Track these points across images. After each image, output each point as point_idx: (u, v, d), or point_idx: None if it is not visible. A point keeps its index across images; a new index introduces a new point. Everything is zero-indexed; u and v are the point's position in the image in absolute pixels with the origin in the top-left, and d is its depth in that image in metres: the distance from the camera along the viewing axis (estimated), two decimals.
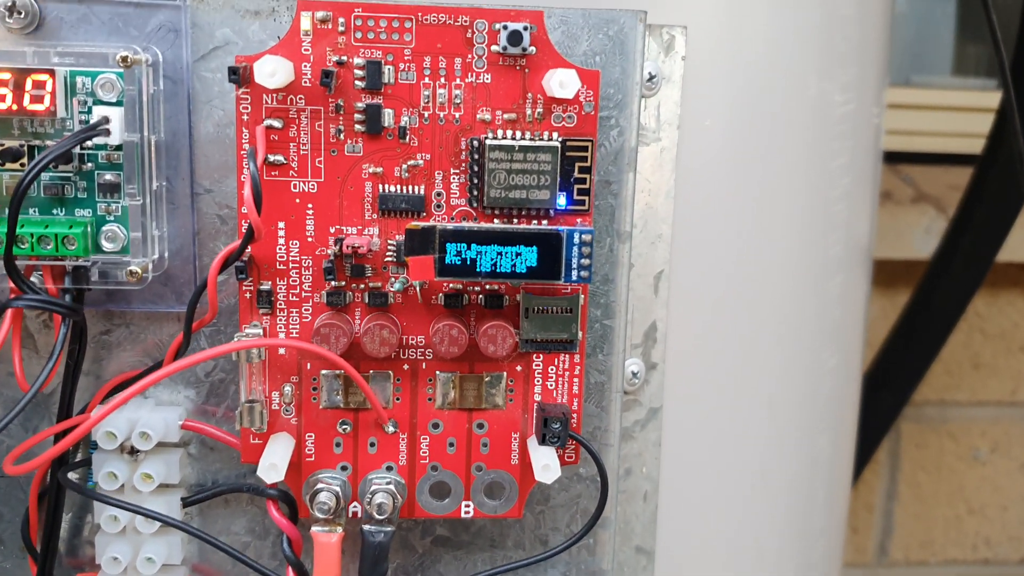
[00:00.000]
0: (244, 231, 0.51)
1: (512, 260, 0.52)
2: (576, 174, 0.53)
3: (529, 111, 0.49)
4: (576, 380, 0.55)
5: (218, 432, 0.54)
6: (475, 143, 0.48)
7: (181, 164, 0.52)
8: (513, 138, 0.48)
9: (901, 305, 1.17)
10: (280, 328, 0.51)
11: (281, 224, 0.50)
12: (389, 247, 0.50)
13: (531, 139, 0.49)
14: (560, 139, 0.49)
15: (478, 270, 0.52)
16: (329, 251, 0.54)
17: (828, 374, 0.78)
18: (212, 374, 0.56)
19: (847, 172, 0.76)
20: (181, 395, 0.56)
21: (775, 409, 0.71)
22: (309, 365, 0.52)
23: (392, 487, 0.51)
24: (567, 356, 0.52)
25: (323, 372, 0.51)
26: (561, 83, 0.51)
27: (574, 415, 0.53)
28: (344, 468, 0.52)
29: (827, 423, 0.80)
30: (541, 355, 0.52)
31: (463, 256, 0.52)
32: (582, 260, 0.52)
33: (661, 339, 0.62)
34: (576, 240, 0.52)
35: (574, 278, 0.52)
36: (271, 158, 0.49)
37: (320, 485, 0.50)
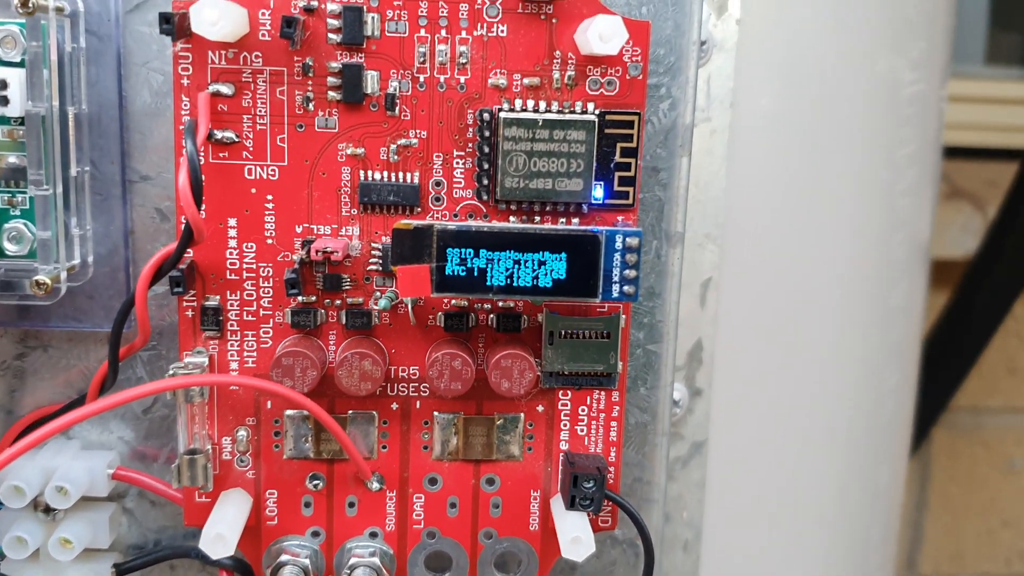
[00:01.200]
0: (182, 231, 0.38)
1: (534, 271, 0.39)
2: (618, 158, 0.40)
3: (557, 74, 0.37)
4: (614, 424, 0.42)
5: (157, 484, 0.44)
6: (486, 117, 0.37)
7: (110, 144, 0.44)
8: (536, 110, 0.37)
9: (936, 306, 1.12)
10: (232, 357, 0.39)
11: (232, 222, 0.37)
12: (373, 253, 0.38)
13: (559, 111, 0.37)
14: (598, 111, 0.36)
15: (489, 283, 0.39)
16: (294, 257, 0.41)
17: (889, 395, 0.70)
18: (152, 410, 0.44)
19: (913, 163, 0.68)
20: (114, 436, 0.44)
21: (835, 439, 0.64)
22: (269, 404, 0.39)
23: (377, 559, 0.42)
24: (603, 393, 0.40)
25: (287, 413, 0.39)
26: (601, 35, 0.38)
27: (611, 469, 0.40)
28: (315, 535, 0.43)
29: (887, 451, 0.72)
30: (569, 392, 0.39)
31: (469, 265, 0.39)
32: (626, 271, 0.39)
33: (708, 360, 0.56)
34: (619, 245, 0.39)
35: (615, 295, 0.40)
36: (218, 135, 0.37)
37: (285, 556, 0.41)
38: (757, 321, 0.59)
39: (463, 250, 0.39)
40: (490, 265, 0.40)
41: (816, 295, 0.59)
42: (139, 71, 0.44)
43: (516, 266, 0.40)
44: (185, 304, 0.42)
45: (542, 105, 0.40)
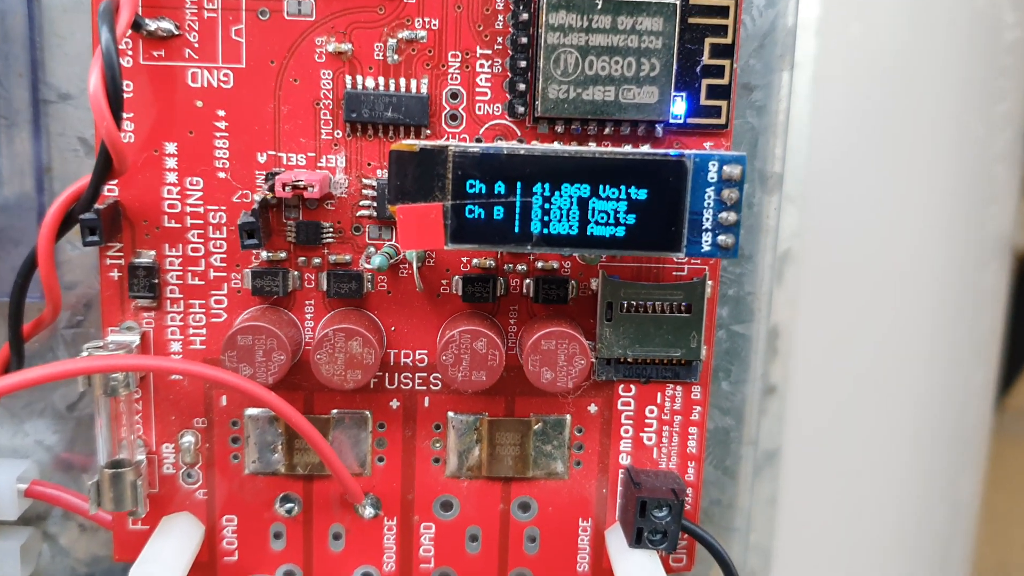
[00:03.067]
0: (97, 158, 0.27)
1: (596, 214, 0.27)
2: (706, 59, 0.28)
3: None
4: (694, 430, 0.31)
5: (84, 504, 0.34)
6: None
7: (14, 50, 0.34)
8: None
9: None
10: (173, 335, 0.28)
11: (170, 147, 0.26)
12: (364, 192, 0.26)
13: None
14: None
15: (526, 231, 0.27)
16: (255, 197, 0.29)
17: (974, 396, 0.62)
18: (79, 406, 0.35)
19: (1010, 123, 0.59)
20: (30, 440, 0.33)
21: (919, 444, 0.55)
22: (224, 400, 0.28)
23: None
24: (680, 388, 0.28)
25: (248, 412, 0.27)
26: None
27: (689, 492, 0.28)
28: (289, 575, 0.27)
29: (970, 457, 0.64)
30: (634, 386, 0.27)
31: (497, 203, 0.27)
32: (722, 214, 0.28)
33: (784, 351, 0.46)
34: (712, 176, 0.27)
35: (705, 248, 0.28)
36: (151, 25, 0.26)
37: None
38: (839, 305, 0.49)
39: (489, 182, 0.27)
40: (528, 205, 0.28)
41: (902, 275, 0.51)
42: None
43: (567, 206, 0.28)
44: (109, 261, 0.31)
45: None
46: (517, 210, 0.28)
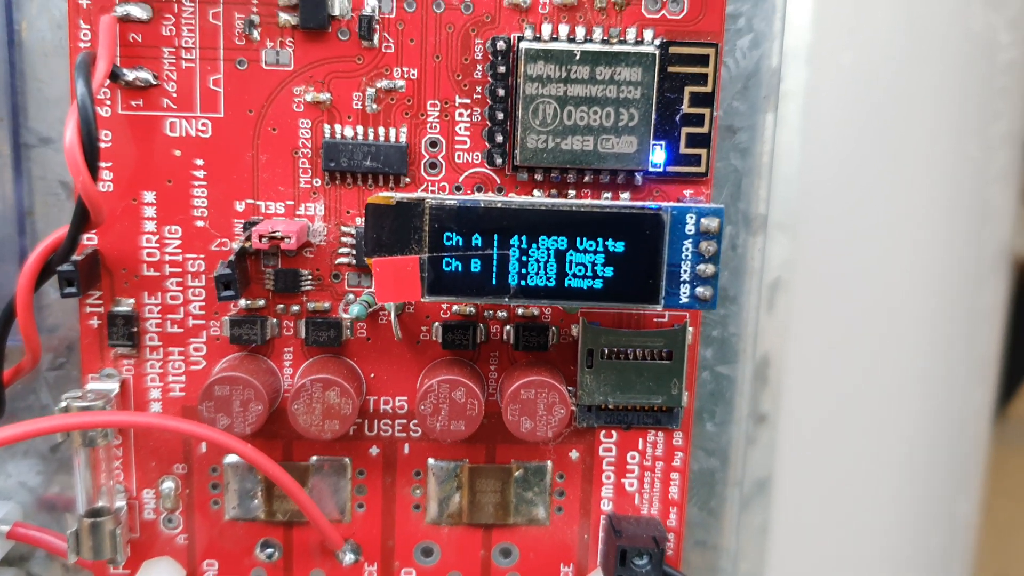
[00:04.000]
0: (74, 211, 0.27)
1: (573, 267, 0.27)
2: (686, 107, 0.28)
3: None
4: (676, 476, 0.30)
5: (63, 545, 0.34)
6: (501, 48, 0.26)
7: None
8: (571, 39, 0.24)
9: None
10: (152, 382, 0.28)
11: (149, 196, 0.26)
12: (343, 240, 0.26)
13: (604, 41, 0.26)
14: (658, 41, 0.24)
15: (503, 283, 0.27)
16: (233, 246, 0.29)
17: (972, 417, 0.61)
18: (63, 447, 0.33)
19: (1006, 143, 0.59)
20: (12, 481, 0.33)
21: (912, 471, 0.55)
22: (204, 446, 0.27)
23: None
24: (661, 434, 0.28)
25: (227, 460, 0.27)
26: None
27: (671, 538, 0.28)
28: None
29: (967, 480, 0.64)
30: (615, 433, 0.27)
31: (475, 256, 0.27)
32: (700, 266, 0.27)
33: (775, 379, 0.46)
34: (690, 228, 0.27)
35: (683, 300, 0.27)
36: (129, 75, 0.26)
37: None
38: (830, 332, 0.49)
39: (468, 235, 0.27)
40: (507, 257, 0.28)
41: (896, 299, 0.51)
42: None
43: (545, 258, 0.28)
44: (88, 309, 0.31)
45: (580, 32, 0.28)
46: (494, 263, 0.28)
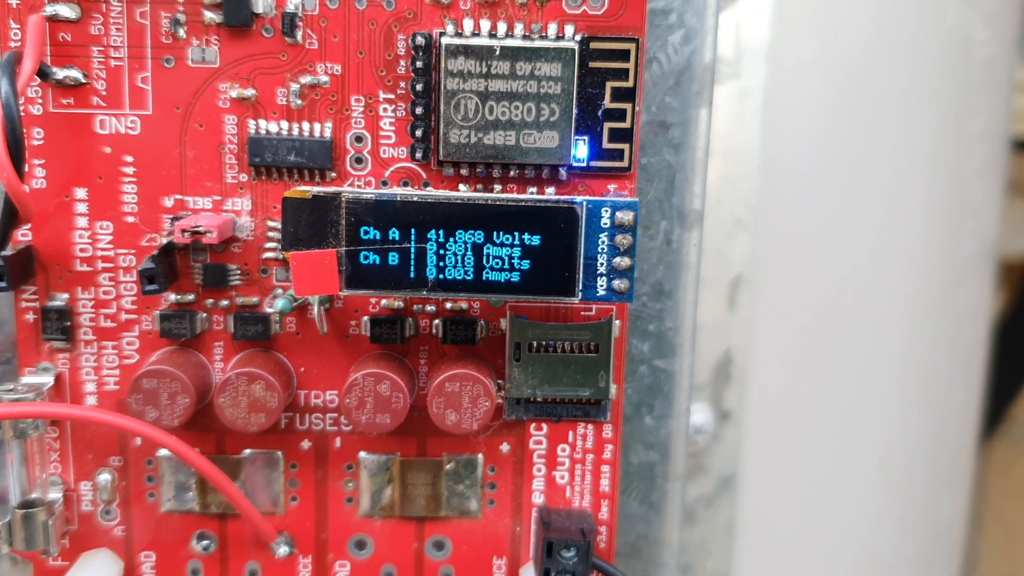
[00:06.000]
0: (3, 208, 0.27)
1: (490, 260, 0.28)
2: (608, 103, 0.29)
3: None
4: (607, 468, 0.31)
5: None
6: (421, 43, 0.27)
7: None
8: (492, 34, 0.25)
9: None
10: (87, 375, 0.29)
11: (80, 193, 0.27)
12: (270, 235, 0.26)
13: (525, 36, 0.27)
14: (579, 37, 0.24)
15: (421, 277, 0.27)
16: (163, 239, 0.30)
17: (954, 413, 0.61)
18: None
19: (984, 139, 0.59)
20: None
21: (890, 469, 0.54)
22: (139, 440, 0.28)
23: None
24: (590, 426, 0.28)
25: (161, 452, 0.28)
26: None
27: (602, 530, 0.28)
28: None
29: (949, 479, 0.63)
30: (545, 425, 0.27)
31: (392, 250, 0.27)
32: (616, 259, 0.28)
33: (738, 376, 0.46)
34: (605, 221, 0.28)
35: (600, 293, 0.28)
36: (59, 74, 0.27)
37: None
38: (798, 328, 0.49)
39: (384, 228, 0.28)
40: (425, 251, 0.28)
41: (870, 296, 0.51)
42: None
43: (464, 252, 0.28)
44: (24, 304, 0.31)
45: (501, 28, 0.28)
46: (412, 256, 0.28)
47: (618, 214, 0.28)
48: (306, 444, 0.32)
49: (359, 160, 0.31)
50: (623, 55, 0.30)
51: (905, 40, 0.49)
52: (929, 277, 0.55)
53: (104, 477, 0.33)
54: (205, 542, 0.33)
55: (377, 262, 0.28)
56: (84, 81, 0.30)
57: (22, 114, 0.29)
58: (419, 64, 0.29)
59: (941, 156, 0.53)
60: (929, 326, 0.55)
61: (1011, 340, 1.07)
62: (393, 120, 0.30)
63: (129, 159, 0.31)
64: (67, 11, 0.30)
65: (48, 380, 0.32)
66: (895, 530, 0.56)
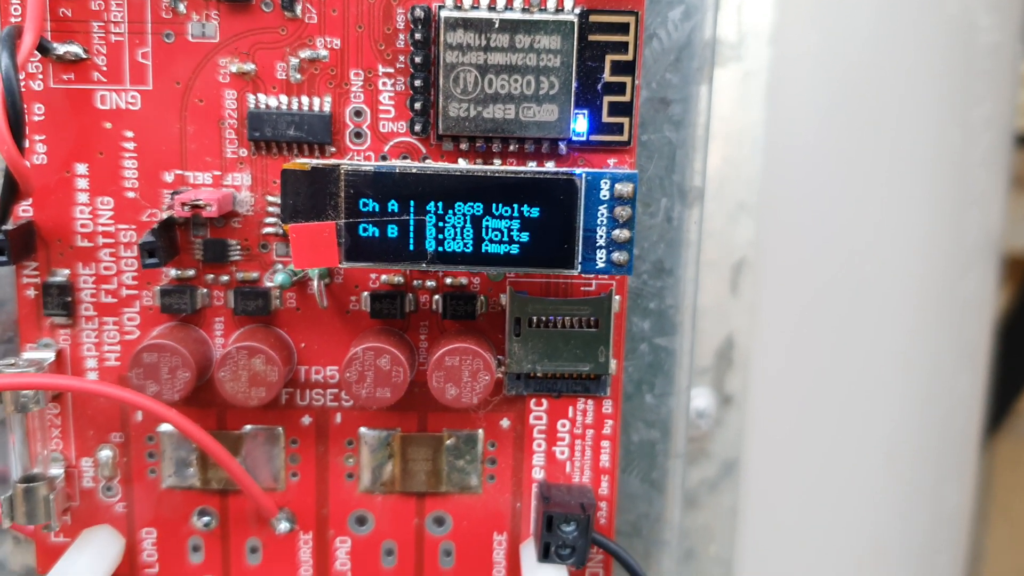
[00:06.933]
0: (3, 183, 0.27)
1: (489, 232, 0.28)
2: (607, 76, 0.29)
3: None
4: (606, 444, 0.31)
5: None
6: (419, 15, 0.27)
7: None
8: (492, 7, 0.26)
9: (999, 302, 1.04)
10: (88, 351, 0.29)
11: (81, 168, 0.27)
12: (270, 210, 0.26)
13: (524, 9, 0.27)
14: (578, 9, 0.25)
15: (420, 249, 0.27)
16: (163, 214, 0.30)
17: (958, 401, 0.61)
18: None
19: (989, 127, 0.58)
20: None
21: (893, 456, 0.54)
22: (140, 415, 0.28)
23: None
24: (590, 402, 0.28)
25: (162, 428, 0.28)
26: None
27: (602, 506, 0.28)
28: None
29: (954, 465, 0.62)
30: (545, 401, 0.27)
31: (391, 222, 0.27)
32: (616, 231, 0.28)
33: (741, 361, 0.46)
34: (604, 194, 0.28)
35: (600, 265, 0.28)
36: (59, 49, 0.27)
37: None
38: (801, 313, 0.49)
39: (384, 201, 0.28)
40: (424, 223, 0.28)
41: (874, 282, 0.50)
42: None
43: (463, 224, 0.28)
44: (25, 280, 0.31)
45: (500, 1, 0.28)
46: (411, 228, 0.28)
47: (617, 186, 0.28)
48: (307, 420, 0.33)
49: (358, 134, 0.31)
50: (622, 28, 0.30)
51: (908, 26, 0.49)
52: (932, 264, 0.54)
53: (105, 453, 0.33)
54: (206, 518, 0.33)
55: (376, 235, 0.28)
56: (84, 56, 0.30)
57: (23, 89, 0.29)
58: (418, 37, 0.29)
59: (944, 143, 0.53)
60: (933, 313, 0.55)
61: (1017, 335, 1.06)
62: (392, 94, 0.30)
63: (129, 134, 0.31)
64: None
65: (50, 356, 0.32)
66: (899, 516, 0.56)
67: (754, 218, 0.45)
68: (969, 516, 0.72)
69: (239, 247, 0.31)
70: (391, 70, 0.30)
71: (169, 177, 0.31)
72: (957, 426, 0.61)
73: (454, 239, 0.28)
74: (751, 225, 0.45)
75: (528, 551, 0.33)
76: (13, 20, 0.30)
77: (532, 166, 0.30)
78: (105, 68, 0.30)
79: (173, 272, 0.31)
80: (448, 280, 0.32)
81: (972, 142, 0.56)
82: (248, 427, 0.32)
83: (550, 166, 0.31)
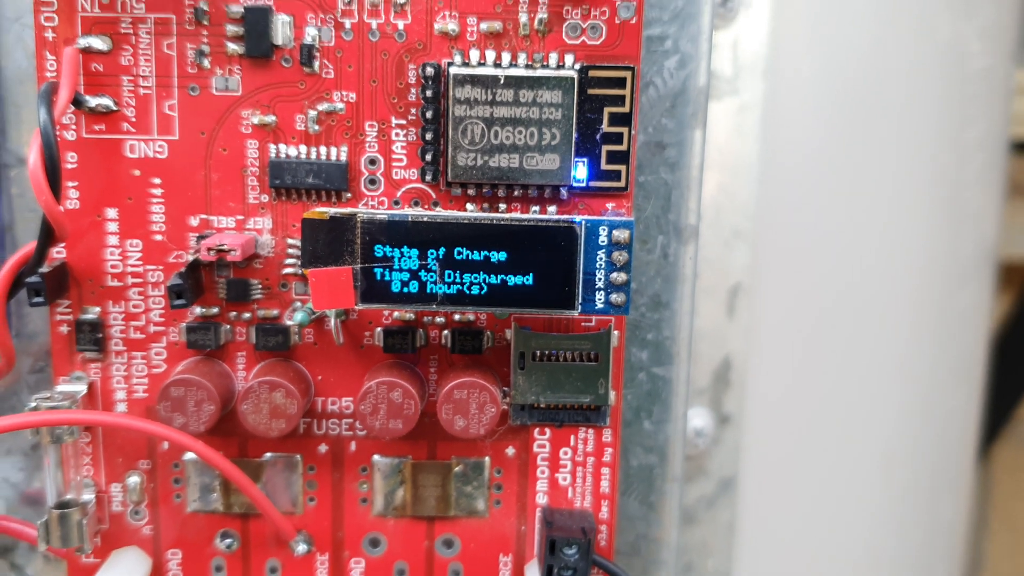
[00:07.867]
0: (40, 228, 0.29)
1: (494, 276, 0.29)
2: (605, 127, 0.30)
3: (524, 17, 0.28)
4: (606, 471, 0.33)
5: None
6: (431, 73, 0.29)
7: None
8: (497, 64, 0.27)
9: (997, 310, 1.03)
10: (118, 384, 0.30)
11: (111, 213, 0.29)
12: (289, 252, 0.28)
13: (528, 66, 0.29)
14: (578, 66, 0.26)
15: (431, 292, 0.29)
16: (189, 256, 0.32)
17: (953, 416, 0.62)
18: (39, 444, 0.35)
19: (981, 147, 0.60)
20: None
21: (890, 473, 0.55)
22: (166, 444, 0.30)
23: None
24: (591, 431, 0.30)
25: (187, 456, 0.29)
26: None
27: (602, 529, 0.30)
28: None
29: (948, 483, 0.64)
30: (548, 430, 0.29)
31: (404, 268, 0.29)
32: (613, 275, 0.30)
33: (737, 381, 0.48)
34: (602, 239, 0.29)
35: (599, 306, 0.30)
36: (91, 102, 0.29)
37: None
38: (797, 334, 0.50)
39: (397, 247, 0.30)
40: (434, 268, 0.30)
41: (869, 303, 0.52)
42: (10, 27, 0.35)
43: (470, 269, 0.30)
44: (59, 317, 0.33)
45: (505, 58, 0.30)
46: (421, 272, 0.30)
47: (615, 232, 0.30)
48: (323, 448, 0.35)
49: (372, 181, 0.33)
50: (620, 82, 0.32)
51: (901, 54, 0.50)
52: (928, 282, 0.56)
53: (134, 479, 0.35)
54: (228, 540, 0.35)
55: (386, 279, 0.30)
56: (115, 108, 0.32)
57: (58, 140, 0.31)
58: (428, 92, 0.31)
59: (938, 166, 0.54)
60: (928, 327, 0.56)
61: (1015, 342, 1.07)
62: (404, 144, 0.32)
63: (157, 181, 0.33)
64: (99, 43, 0.32)
65: (82, 388, 0.34)
66: (895, 531, 0.57)
67: (749, 244, 0.46)
68: (966, 527, 0.73)
69: (260, 286, 0.33)
70: (403, 121, 0.32)
71: (194, 221, 0.33)
72: (953, 438, 0.62)
73: (462, 282, 0.30)
74: (747, 251, 0.46)
75: (532, 572, 0.35)
76: (49, 75, 0.32)
77: (535, 211, 0.32)
78: (134, 119, 0.32)
79: (198, 310, 0.33)
80: (457, 317, 0.34)
81: (966, 162, 0.57)
82: (268, 455, 0.34)
83: (552, 211, 0.33)
